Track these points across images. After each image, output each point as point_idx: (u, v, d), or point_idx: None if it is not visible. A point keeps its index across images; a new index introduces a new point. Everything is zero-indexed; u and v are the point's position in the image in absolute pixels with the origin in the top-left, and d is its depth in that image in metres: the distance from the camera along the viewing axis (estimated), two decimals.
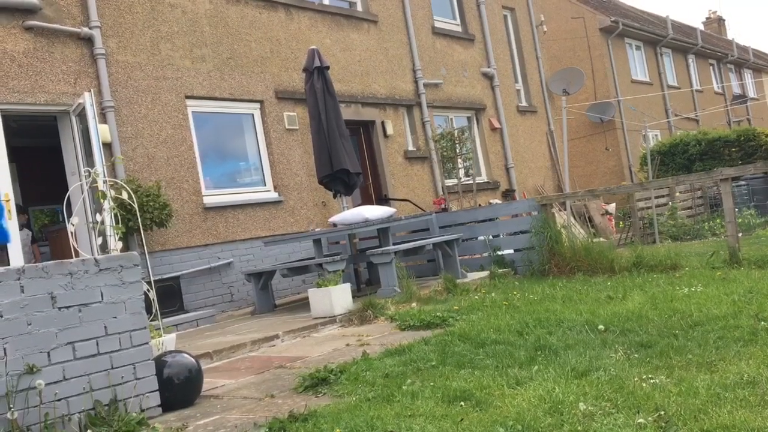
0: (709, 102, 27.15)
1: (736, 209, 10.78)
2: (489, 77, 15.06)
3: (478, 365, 4.28)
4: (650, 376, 3.58)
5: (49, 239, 11.28)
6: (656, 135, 22.94)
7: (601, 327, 4.88)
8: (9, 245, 7.46)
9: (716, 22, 37.50)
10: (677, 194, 14.82)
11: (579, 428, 2.94)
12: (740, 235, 8.64)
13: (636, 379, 3.56)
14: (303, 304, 8.15)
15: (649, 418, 2.96)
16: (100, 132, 7.72)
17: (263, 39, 10.48)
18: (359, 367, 4.57)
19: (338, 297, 7.01)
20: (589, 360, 4.04)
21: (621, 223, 14.85)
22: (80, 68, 8.32)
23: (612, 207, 15.82)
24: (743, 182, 14.89)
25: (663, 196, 14.38)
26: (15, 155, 9.46)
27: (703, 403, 3.07)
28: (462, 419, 3.26)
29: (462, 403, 3.53)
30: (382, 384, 4.11)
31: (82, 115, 7.86)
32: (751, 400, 3.05)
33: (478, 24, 15.12)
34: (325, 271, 7.50)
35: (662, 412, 3.01)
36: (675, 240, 12.44)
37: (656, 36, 24.26)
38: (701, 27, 34.53)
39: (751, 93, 31.98)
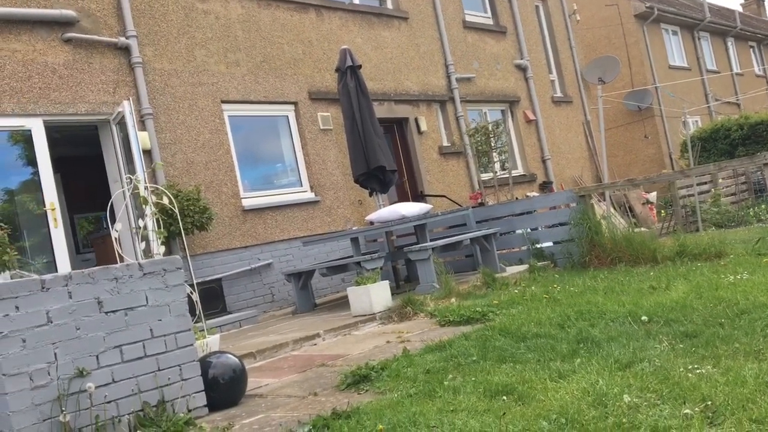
0: (751, 85, 26.49)
1: None
2: (522, 69, 14.94)
3: (520, 359, 4.26)
4: (696, 366, 3.52)
5: (94, 245, 11.56)
6: (696, 121, 22.48)
7: (644, 318, 4.81)
8: (56, 253, 7.68)
9: (755, 3, 36.55)
10: (720, 180, 14.49)
11: (624, 420, 2.91)
12: None
13: (681, 369, 3.50)
14: (342, 303, 8.21)
15: (696, 409, 2.91)
16: (140, 139, 7.87)
17: (295, 41, 10.56)
18: (400, 364, 4.58)
19: (377, 294, 7.04)
20: (632, 351, 3.98)
21: (663, 211, 14.58)
22: (118, 77, 8.50)
23: (653, 196, 15.53)
24: None
25: (705, 183, 14.07)
26: (58, 165, 9.70)
27: (752, 393, 3.00)
28: (504, 413, 3.25)
29: (504, 397, 3.52)
30: (423, 380, 4.11)
31: (121, 124, 8.02)
32: None
33: (510, 16, 15.01)
34: (364, 269, 7.53)
35: (709, 402, 2.96)
36: (719, 227, 12.16)
37: (693, 20, 23.77)
38: (740, 9, 33.69)
39: None
